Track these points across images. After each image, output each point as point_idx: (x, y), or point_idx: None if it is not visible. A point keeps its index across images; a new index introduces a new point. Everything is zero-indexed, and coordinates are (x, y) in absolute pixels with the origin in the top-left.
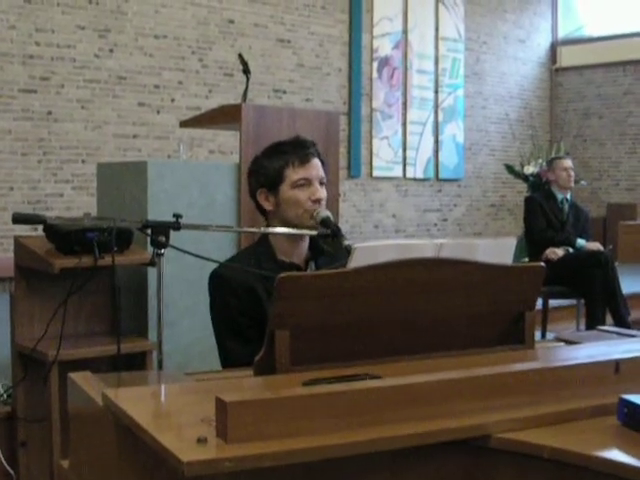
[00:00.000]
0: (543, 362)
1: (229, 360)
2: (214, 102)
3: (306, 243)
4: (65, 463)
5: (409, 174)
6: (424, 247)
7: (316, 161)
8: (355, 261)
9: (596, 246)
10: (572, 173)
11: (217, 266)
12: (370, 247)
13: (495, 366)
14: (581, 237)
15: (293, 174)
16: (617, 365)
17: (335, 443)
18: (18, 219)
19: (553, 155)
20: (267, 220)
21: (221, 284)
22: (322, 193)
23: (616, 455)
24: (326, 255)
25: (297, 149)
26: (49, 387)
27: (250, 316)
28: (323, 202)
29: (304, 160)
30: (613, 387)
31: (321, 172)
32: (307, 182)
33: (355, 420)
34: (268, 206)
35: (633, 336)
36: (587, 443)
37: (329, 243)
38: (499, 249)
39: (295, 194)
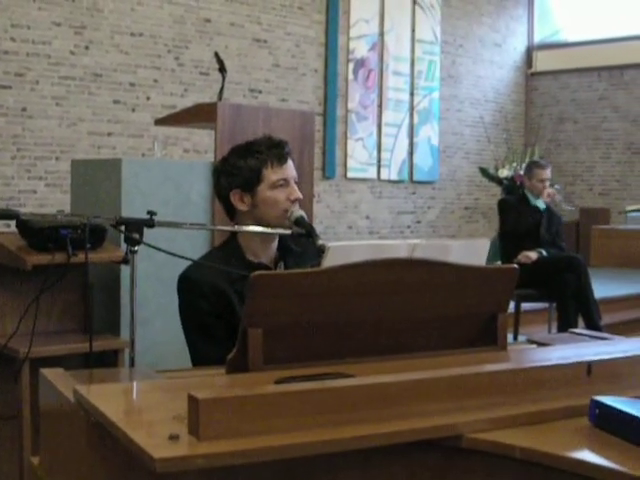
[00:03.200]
0: (515, 363)
1: (201, 363)
2: (189, 101)
3: (275, 243)
4: (35, 460)
5: (383, 176)
6: (398, 247)
7: (291, 161)
8: (329, 261)
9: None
10: (547, 184)
11: (185, 269)
12: (344, 247)
13: (467, 366)
14: (555, 242)
15: (272, 175)
16: (589, 367)
17: (307, 441)
18: None
19: (527, 159)
20: (237, 221)
21: (190, 287)
22: (298, 192)
23: (587, 456)
24: (295, 255)
25: (273, 149)
26: (20, 384)
27: (221, 318)
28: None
29: (282, 160)
30: (585, 388)
31: (295, 172)
32: (285, 182)
33: (327, 418)
34: (242, 207)
35: (605, 339)
36: (559, 444)
37: (298, 242)
38: (472, 250)
39: (274, 195)
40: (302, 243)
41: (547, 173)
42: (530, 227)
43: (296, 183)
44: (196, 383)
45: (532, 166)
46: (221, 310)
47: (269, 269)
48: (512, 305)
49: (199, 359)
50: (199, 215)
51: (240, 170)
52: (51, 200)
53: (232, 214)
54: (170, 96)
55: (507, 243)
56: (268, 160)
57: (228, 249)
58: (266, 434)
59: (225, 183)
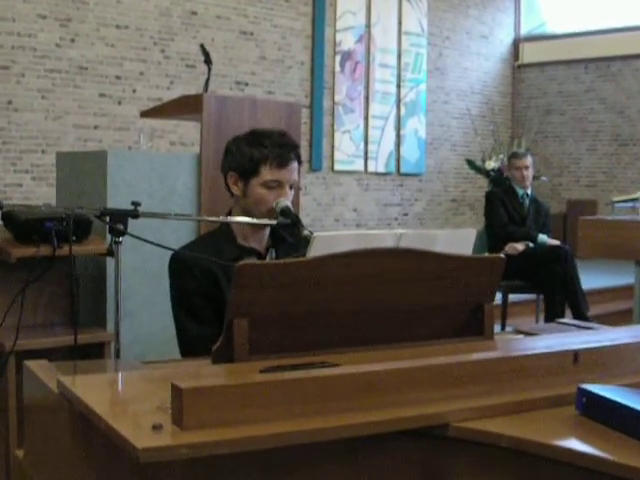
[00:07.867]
0: (502, 352)
1: (186, 340)
2: (176, 93)
3: (267, 230)
4: (20, 453)
5: (370, 168)
6: (384, 237)
7: (294, 165)
8: (314, 250)
9: (556, 243)
10: (525, 173)
11: (177, 250)
12: (330, 236)
13: (454, 355)
14: (542, 232)
15: (267, 174)
16: (576, 355)
17: (291, 430)
18: None
19: (514, 150)
20: (233, 200)
21: (180, 266)
22: (289, 197)
23: (574, 444)
24: (287, 245)
25: (277, 148)
26: (6, 378)
27: (208, 298)
28: None
29: (283, 163)
30: (572, 377)
31: (295, 176)
32: (279, 185)
33: (312, 408)
34: (235, 190)
35: (591, 328)
36: (546, 432)
37: (291, 233)
38: (459, 240)
39: (263, 193)
40: (294, 234)
41: (523, 161)
42: (517, 219)
43: (292, 187)
44: (181, 373)
45: (510, 157)
46: (209, 291)
47: (260, 254)
48: (499, 296)
49: (185, 338)
50: (185, 207)
51: (242, 156)
52: (37, 193)
53: (230, 192)
54: (156, 89)
55: (494, 235)
56: (270, 157)
57: (220, 233)
58: (250, 423)
59: (227, 162)
